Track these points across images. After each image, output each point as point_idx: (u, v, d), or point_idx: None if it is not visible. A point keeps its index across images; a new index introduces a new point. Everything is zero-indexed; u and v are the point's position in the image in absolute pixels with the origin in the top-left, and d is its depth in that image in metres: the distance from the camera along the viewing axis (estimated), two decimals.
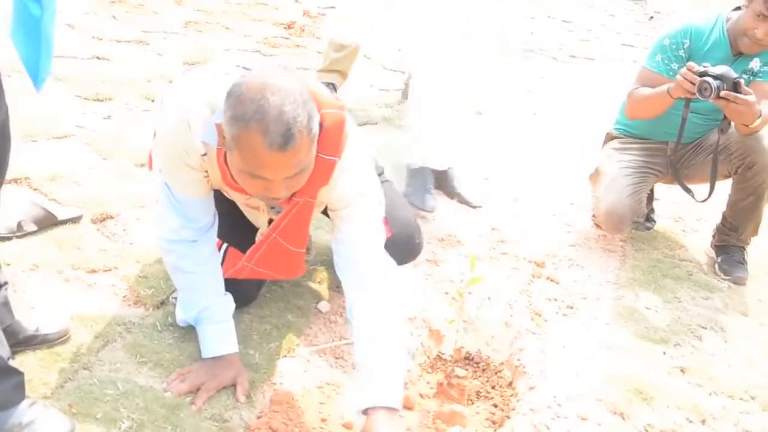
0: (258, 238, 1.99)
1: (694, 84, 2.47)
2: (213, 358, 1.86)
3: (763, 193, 2.76)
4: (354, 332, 1.84)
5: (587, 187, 3.04)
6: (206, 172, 1.77)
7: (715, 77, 2.45)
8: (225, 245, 2.03)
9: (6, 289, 1.78)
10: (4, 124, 1.57)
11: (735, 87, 2.44)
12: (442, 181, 3.06)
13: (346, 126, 1.74)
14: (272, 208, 1.92)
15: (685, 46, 2.69)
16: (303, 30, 5.18)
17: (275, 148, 1.48)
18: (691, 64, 2.51)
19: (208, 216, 1.88)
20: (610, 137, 3.08)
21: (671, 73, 2.68)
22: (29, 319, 1.84)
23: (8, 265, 2.11)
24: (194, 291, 1.90)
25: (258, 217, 2.03)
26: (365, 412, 1.72)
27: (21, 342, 1.81)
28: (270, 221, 1.95)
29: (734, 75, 2.46)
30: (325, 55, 3.95)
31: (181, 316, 1.94)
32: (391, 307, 1.84)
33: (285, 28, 5.19)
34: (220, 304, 1.90)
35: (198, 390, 1.81)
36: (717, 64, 2.52)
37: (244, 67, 1.75)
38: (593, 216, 3.03)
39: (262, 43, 4.78)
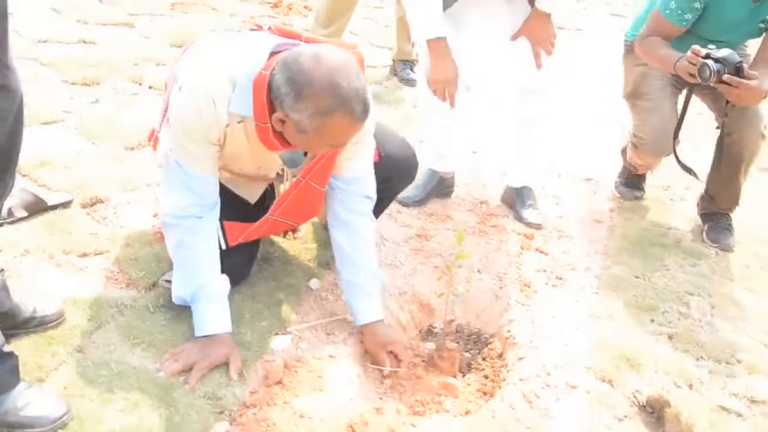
0: (281, 189, 2.18)
1: (696, 66, 2.45)
2: (205, 336, 1.89)
3: (739, 165, 2.77)
4: (340, 252, 2.10)
5: (574, 157, 3.05)
6: (219, 146, 1.87)
7: (717, 60, 2.41)
8: (219, 223, 2.04)
9: (3, 274, 1.81)
10: (19, 108, 1.59)
11: (737, 71, 2.40)
12: (511, 198, 2.99)
13: None
14: (290, 165, 2.08)
15: None
16: (290, 8, 5.16)
17: (360, 122, 1.74)
18: (696, 48, 2.47)
19: (214, 194, 1.94)
20: (632, 48, 2.93)
21: (684, 23, 2.64)
22: (26, 302, 1.87)
23: (0, 251, 2.13)
24: (193, 268, 1.92)
25: (254, 189, 2.15)
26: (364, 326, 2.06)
27: (19, 325, 1.84)
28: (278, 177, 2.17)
29: (737, 59, 2.42)
30: (312, 33, 3.94)
31: (178, 294, 1.96)
32: (372, 235, 2.13)
33: (272, 6, 5.17)
34: (216, 283, 1.93)
35: (191, 369, 1.83)
36: (735, 12, 2.53)
37: (246, 35, 1.96)
38: (635, 137, 2.90)
39: (249, 23, 4.75)
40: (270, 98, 1.75)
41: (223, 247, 2.03)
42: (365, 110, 1.73)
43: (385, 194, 2.28)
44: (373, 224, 2.16)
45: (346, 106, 1.68)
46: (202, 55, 1.91)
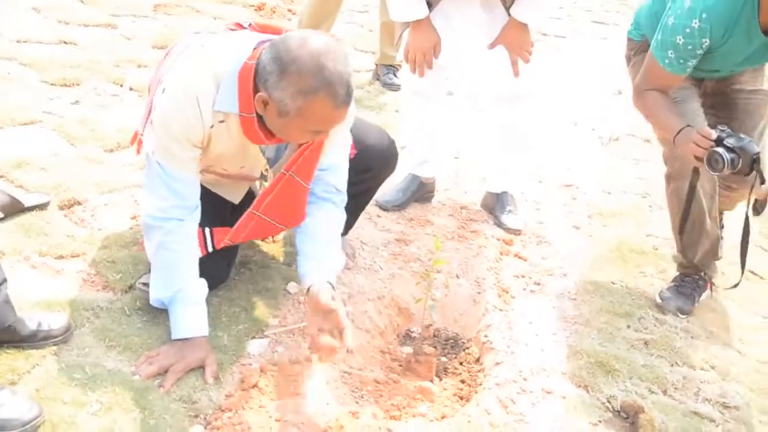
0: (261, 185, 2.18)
1: (705, 149, 2.13)
2: (182, 340, 1.88)
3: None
4: (301, 232, 2.03)
5: (555, 163, 3.06)
6: (202, 148, 1.86)
7: (730, 149, 2.09)
8: (208, 229, 2.04)
9: (6, 287, 1.78)
10: None
11: (753, 163, 2.11)
12: (491, 203, 3.00)
13: None
14: (273, 158, 2.08)
15: (704, 46, 2.18)
16: (274, 12, 5.16)
17: (342, 107, 1.71)
18: (706, 130, 2.14)
19: (196, 196, 1.93)
20: (637, 48, 2.55)
21: (687, 70, 2.27)
22: (31, 316, 1.85)
23: None
24: (173, 270, 1.92)
25: (236, 190, 2.15)
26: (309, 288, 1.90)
27: (24, 339, 1.82)
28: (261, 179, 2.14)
29: (755, 150, 2.10)
30: None
31: (155, 296, 1.95)
32: (335, 219, 2.08)
33: (255, 9, 5.16)
34: (195, 287, 1.93)
35: (166, 372, 1.83)
36: (746, 48, 2.20)
37: (227, 33, 1.96)
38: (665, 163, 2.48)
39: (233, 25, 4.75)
40: (255, 85, 1.75)
41: (210, 249, 2.03)
42: (348, 96, 1.72)
43: (368, 185, 2.31)
44: (341, 213, 2.10)
45: (330, 88, 1.67)
46: (185, 56, 1.91)
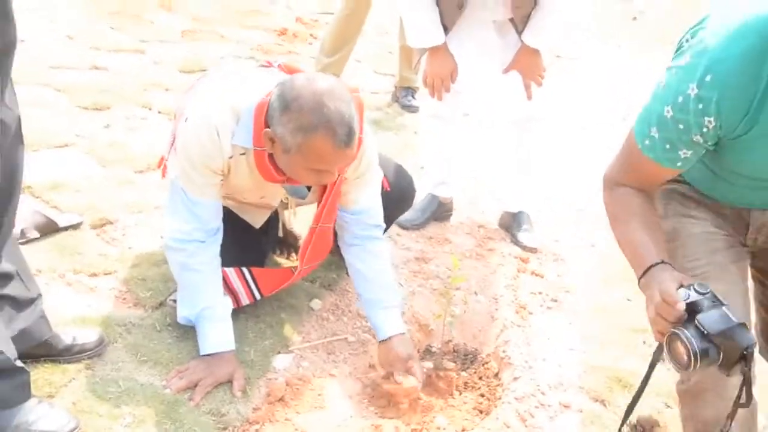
0: (286, 216, 2.36)
1: (667, 328, 1.34)
2: (210, 355, 1.96)
3: None
4: (354, 274, 2.19)
5: (569, 183, 3.11)
6: (223, 176, 1.93)
7: (705, 335, 1.28)
8: (247, 270, 2.15)
9: (41, 302, 1.86)
10: (18, 128, 1.65)
11: (740, 361, 1.29)
12: (508, 222, 3.07)
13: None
14: (294, 196, 2.18)
15: (706, 130, 1.33)
16: (296, 36, 5.28)
17: (342, 147, 1.72)
18: (669, 293, 1.31)
19: (217, 220, 2.00)
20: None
21: (678, 164, 1.43)
22: (66, 330, 1.93)
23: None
24: (197, 290, 1.99)
25: (258, 215, 2.22)
26: (383, 341, 2.10)
27: (60, 353, 1.90)
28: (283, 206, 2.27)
29: (746, 340, 1.28)
30: (316, 60, 4.05)
31: (183, 314, 2.03)
32: (384, 254, 2.20)
33: (278, 34, 5.29)
34: (220, 304, 2.00)
35: (196, 386, 1.90)
36: None
37: (255, 70, 2.03)
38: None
39: (256, 50, 4.88)
40: (266, 121, 1.81)
41: (257, 297, 2.16)
42: (349, 136, 1.72)
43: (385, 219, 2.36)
44: (384, 244, 2.22)
45: (328, 127, 1.69)
46: (208, 88, 1.99)
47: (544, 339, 2.38)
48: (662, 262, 1.41)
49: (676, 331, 1.31)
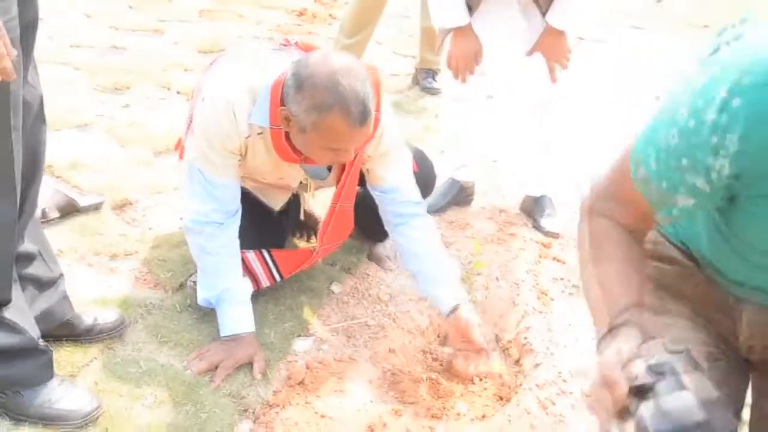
0: (305, 197, 2.34)
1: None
2: (230, 337, 1.96)
3: None
4: (402, 252, 2.19)
5: (592, 166, 3.05)
6: (241, 156, 1.92)
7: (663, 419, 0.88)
8: (267, 252, 2.15)
9: (63, 282, 1.87)
10: (40, 107, 1.65)
11: None
12: (530, 207, 3.03)
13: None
14: (314, 177, 2.14)
15: (720, 167, 0.91)
16: (315, 17, 5.24)
17: (356, 125, 1.71)
18: (609, 370, 0.96)
19: (235, 201, 2.00)
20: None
21: (672, 210, 1.03)
22: (87, 311, 1.94)
23: None
24: (217, 272, 1.99)
25: (278, 197, 2.21)
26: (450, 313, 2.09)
27: (81, 333, 1.92)
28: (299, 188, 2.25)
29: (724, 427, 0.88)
30: (336, 41, 4.01)
31: (203, 296, 2.02)
32: (429, 228, 2.19)
33: (297, 15, 5.25)
34: (239, 286, 2.00)
35: (216, 368, 1.90)
36: None
37: (273, 50, 1.99)
38: None
39: (275, 30, 4.84)
40: (282, 100, 1.79)
41: (278, 279, 2.16)
42: (364, 115, 1.70)
43: None
44: (428, 220, 2.19)
45: (342, 105, 1.68)
46: (225, 68, 1.97)
47: (565, 325, 2.36)
48: (627, 323, 1.03)
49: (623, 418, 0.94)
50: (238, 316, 1.98)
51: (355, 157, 1.92)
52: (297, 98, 1.71)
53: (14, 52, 1.29)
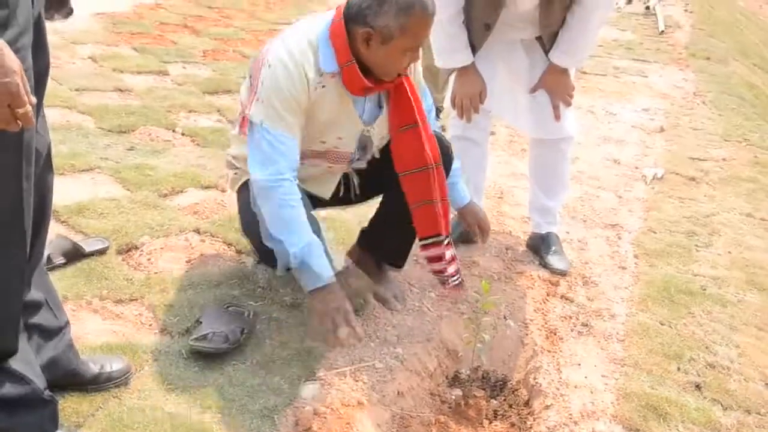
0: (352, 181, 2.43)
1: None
2: (319, 290, 2.06)
3: None
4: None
5: (598, 202, 3.06)
6: (306, 116, 2.09)
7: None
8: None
9: (69, 330, 1.85)
10: (48, 155, 1.65)
11: None
12: (536, 244, 3.01)
13: None
14: (369, 120, 2.25)
15: None
16: None
17: (431, 14, 2.01)
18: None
19: (298, 158, 2.12)
20: None
21: None
22: (93, 359, 1.93)
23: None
24: (298, 224, 2.08)
25: (326, 183, 2.36)
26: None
27: (88, 382, 1.89)
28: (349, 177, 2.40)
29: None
30: None
31: (285, 260, 2.10)
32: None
33: None
34: (317, 240, 2.10)
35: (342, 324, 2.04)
36: None
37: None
38: None
39: None
40: (349, 34, 2.00)
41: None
42: (433, 3, 2.00)
43: None
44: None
45: (420, 2, 1.96)
46: (280, 38, 2.11)
47: (575, 365, 2.33)
48: None
49: None
50: (325, 267, 2.08)
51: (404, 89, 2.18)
52: (383, 10, 1.95)
53: (34, 100, 1.32)
